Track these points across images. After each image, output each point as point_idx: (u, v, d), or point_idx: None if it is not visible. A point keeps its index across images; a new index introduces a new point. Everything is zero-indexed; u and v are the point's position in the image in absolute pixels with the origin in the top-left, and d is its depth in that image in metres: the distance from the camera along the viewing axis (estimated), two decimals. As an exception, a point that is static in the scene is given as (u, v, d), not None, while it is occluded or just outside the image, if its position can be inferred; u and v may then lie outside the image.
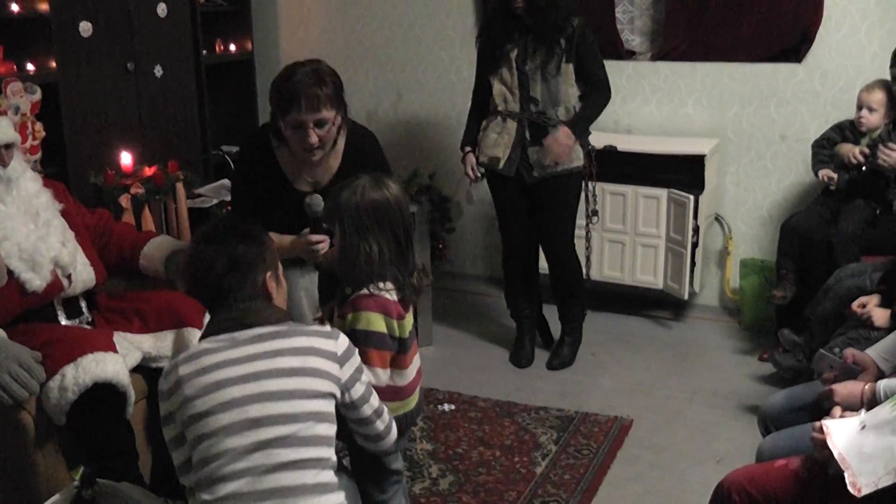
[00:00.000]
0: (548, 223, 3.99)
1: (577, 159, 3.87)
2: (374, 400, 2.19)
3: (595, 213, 4.15)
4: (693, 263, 4.35)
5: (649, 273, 4.50)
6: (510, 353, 4.28)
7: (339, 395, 2.07)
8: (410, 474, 3.21)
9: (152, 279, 3.24)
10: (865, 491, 1.77)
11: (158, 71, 4.49)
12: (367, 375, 2.19)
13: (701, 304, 4.73)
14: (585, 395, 3.88)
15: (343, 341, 2.11)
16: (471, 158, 3.97)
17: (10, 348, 2.63)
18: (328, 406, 2.04)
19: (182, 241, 3.58)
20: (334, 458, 2.05)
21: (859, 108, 3.90)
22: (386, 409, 2.25)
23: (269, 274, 2.14)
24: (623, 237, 4.50)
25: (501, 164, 3.88)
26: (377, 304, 2.32)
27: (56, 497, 2.47)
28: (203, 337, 2.10)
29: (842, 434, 1.90)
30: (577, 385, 3.98)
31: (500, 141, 3.87)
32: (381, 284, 2.34)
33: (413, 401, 2.47)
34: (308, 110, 2.78)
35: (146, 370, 2.99)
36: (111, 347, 2.78)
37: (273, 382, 1.97)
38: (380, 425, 2.21)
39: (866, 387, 2.23)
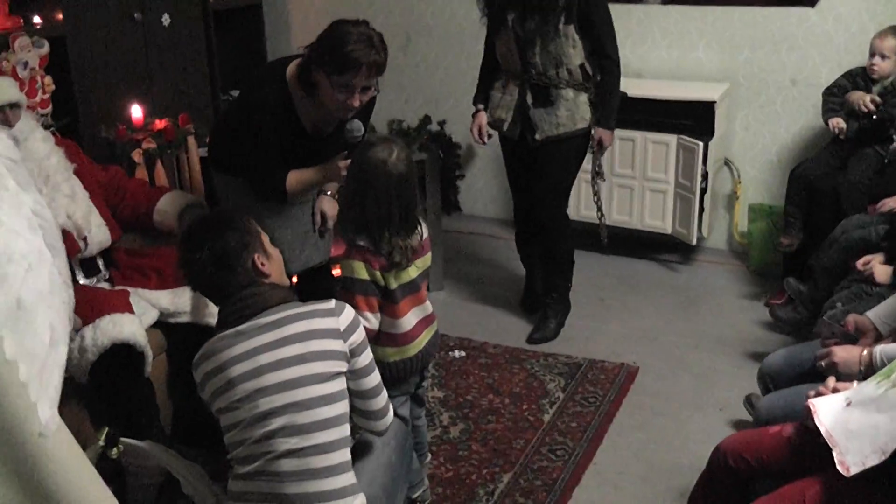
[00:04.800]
0: (540, 187, 3.83)
1: (582, 120, 3.69)
2: (378, 376, 2.27)
3: (599, 174, 3.90)
4: (701, 209, 4.37)
5: (658, 218, 4.53)
6: (521, 297, 4.32)
7: (347, 366, 2.14)
8: (427, 420, 3.26)
9: (167, 235, 3.28)
10: (854, 471, 1.82)
11: (166, 19, 4.46)
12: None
13: (709, 247, 4.76)
14: (594, 341, 3.95)
15: (347, 315, 2.17)
16: (480, 118, 3.85)
17: None
18: (338, 385, 2.11)
19: (194, 194, 3.63)
20: (347, 434, 2.12)
21: (871, 54, 3.87)
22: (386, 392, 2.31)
23: (256, 255, 2.21)
24: (632, 182, 4.52)
25: (506, 127, 3.81)
26: (360, 253, 2.49)
27: (82, 456, 2.57)
28: (217, 327, 2.20)
29: (828, 411, 1.95)
30: (586, 331, 4.05)
31: (503, 102, 3.79)
32: (360, 239, 2.50)
33: (413, 349, 2.61)
34: (365, 78, 2.80)
35: (164, 326, 3.06)
36: (128, 308, 2.84)
37: (276, 375, 2.06)
38: (381, 401, 2.27)
39: (864, 352, 2.27)
